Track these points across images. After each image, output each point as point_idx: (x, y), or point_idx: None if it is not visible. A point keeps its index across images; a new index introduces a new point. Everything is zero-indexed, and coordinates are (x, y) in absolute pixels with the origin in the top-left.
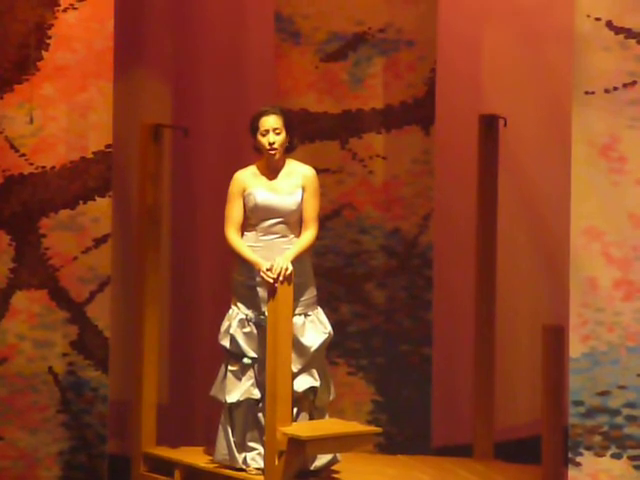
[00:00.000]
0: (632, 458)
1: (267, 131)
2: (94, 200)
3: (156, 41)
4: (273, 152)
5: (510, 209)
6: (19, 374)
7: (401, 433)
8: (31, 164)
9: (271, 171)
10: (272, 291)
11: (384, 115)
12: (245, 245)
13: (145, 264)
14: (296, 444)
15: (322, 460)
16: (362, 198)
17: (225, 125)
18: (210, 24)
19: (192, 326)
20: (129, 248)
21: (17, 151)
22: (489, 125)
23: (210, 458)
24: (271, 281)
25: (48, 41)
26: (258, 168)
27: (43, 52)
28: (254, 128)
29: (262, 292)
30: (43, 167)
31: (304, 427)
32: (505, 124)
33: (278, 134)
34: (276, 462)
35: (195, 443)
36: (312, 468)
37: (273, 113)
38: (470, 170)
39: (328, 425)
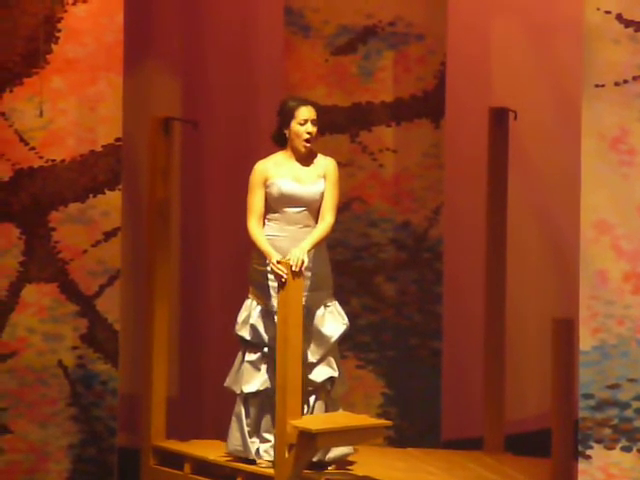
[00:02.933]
0: None
1: (306, 121)
2: (104, 193)
3: (166, 34)
4: (309, 142)
5: (520, 202)
6: (29, 367)
7: (411, 426)
8: (41, 157)
9: (295, 161)
10: (282, 283)
11: (394, 108)
12: (262, 235)
13: (155, 257)
14: (306, 437)
15: (336, 452)
16: (372, 191)
17: (235, 118)
18: (220, 17)
19: (202, 319)
20: (139, 241)
21: (27, 144)
22: (499, 118)
23: (223, 451)
24: (280, 274)
25: (58, 34)
26: (280, 158)
27: (52, 45)
28: (289, 117)
29: None
30: (53, 160)
31: (314, 420)
32: (515, 117)
33: (314, 125)
34: (286, 455)
35: (205, 436)
36: (326, 459)
37: (310, 104)
38: (480, 163)
39: (338, 418)
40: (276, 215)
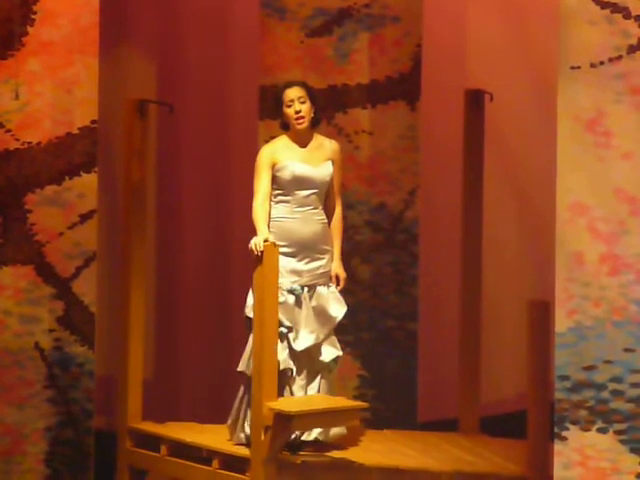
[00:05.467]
0: (618, 432)
1: (292, 101)
2: (80, 176)
3: (141, 17)
4: (301, 121)
5: (496, 184)
6: (5, 350)
7: (387, 408)
8: (17, 140)
9: (301, 143)
10: (255, 257)
11: (370, 90)
12: (263, 215)
13: (131, 239)
14: (282, 419)
15: (333, 431)
16: (348, 173)
17: (210, 101)
18: (195, 0)
19: (178, 301)
20: (115, 224)
21: (3, 127)
22: (475, 100)
23: (200, 434)
24: (256, 251)
25: (33, 16)
26: (286, 141)
27: (28, 27)
28: (279, 103)
29: (295, 262)
30: (29, 143)
31: (290, 402)
32: (491, 99)
33: (303, 103)
34: (262, 437)
35: (181, 418)
36: (322, 438)
37: (295, 84)
38: (456, 145)
39: (314, 400)
40: (287, 198)
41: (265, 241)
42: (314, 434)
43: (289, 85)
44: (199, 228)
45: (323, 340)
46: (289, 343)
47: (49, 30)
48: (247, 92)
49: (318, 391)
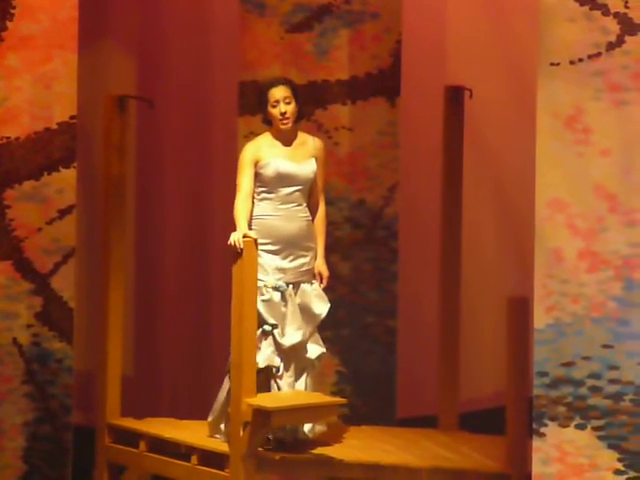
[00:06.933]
0: (596, 429)
1: (277, 102)
2: (59, 171)
3: (121, 12)
4: (286, 122)
5: (475, 180)
6: None
7: (366, 404)
8: None
9: (284, 141)
10: (235, 253)
11: (349, 86)
12: (245, 212)
13: (110, 235)
14: (261, 415)
15: (317, 428)
16: (327, 169)
17: (190, 96)
18: None
19: (157, 297)
20: (94, 219)
21: None
22: (455, 97)
23: (177, 429)
24: (236, 247)
25: (12, 11)
26: (269, 138)
27: (7, 22)
28: (264, 101)
29: (279, 259)
30: (7, 138)
31: (269, 398)
32: (471, 96)
33: (288, 103)
34: (241, 433)
35: (160, 414)
36: (311, 436)
37: (281, 83)
38: (435, 142)
39: (293, 396)
40: (271, 195)
41: (244, 237)
42: (305, 430)
43: (275, 84)
44: (179, 224)
45: (308, 337)
46: (274, 340)
47: (28, 25)
48: (227, 88)
49: (305, 388)
